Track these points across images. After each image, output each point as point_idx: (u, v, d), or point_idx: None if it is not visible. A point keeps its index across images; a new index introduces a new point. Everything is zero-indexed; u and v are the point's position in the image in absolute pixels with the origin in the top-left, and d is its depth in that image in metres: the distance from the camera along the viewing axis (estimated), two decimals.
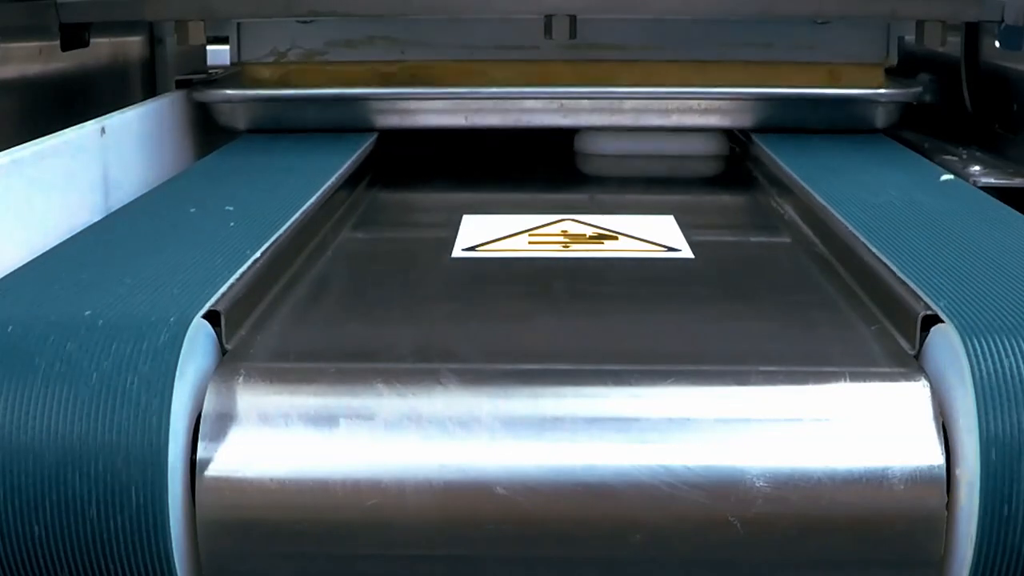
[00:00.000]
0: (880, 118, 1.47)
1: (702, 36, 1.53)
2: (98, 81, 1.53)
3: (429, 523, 0.70)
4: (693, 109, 1.44)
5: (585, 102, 1.46)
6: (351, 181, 1.27)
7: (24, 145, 1.05)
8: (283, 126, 1.45)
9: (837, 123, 1.44)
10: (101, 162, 1.20)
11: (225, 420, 0.72)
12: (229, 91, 1.49)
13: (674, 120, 1.45)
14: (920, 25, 1.47)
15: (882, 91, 1.48)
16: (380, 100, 1.46)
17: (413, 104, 1.45)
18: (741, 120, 1.47)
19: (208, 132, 1.50)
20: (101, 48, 1.52)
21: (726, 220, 1.31)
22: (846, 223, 1.00)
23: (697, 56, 1.54)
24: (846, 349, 0.82)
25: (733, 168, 1.50)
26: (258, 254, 0.89)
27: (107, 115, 1.25)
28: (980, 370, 0.69)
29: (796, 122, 1.44)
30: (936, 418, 0.72)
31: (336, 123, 1.44)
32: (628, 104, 1.45)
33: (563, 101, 1.46)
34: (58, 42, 1.38)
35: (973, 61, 1.57)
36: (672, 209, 1.21)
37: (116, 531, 0.69)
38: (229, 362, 0.77)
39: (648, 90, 1.46)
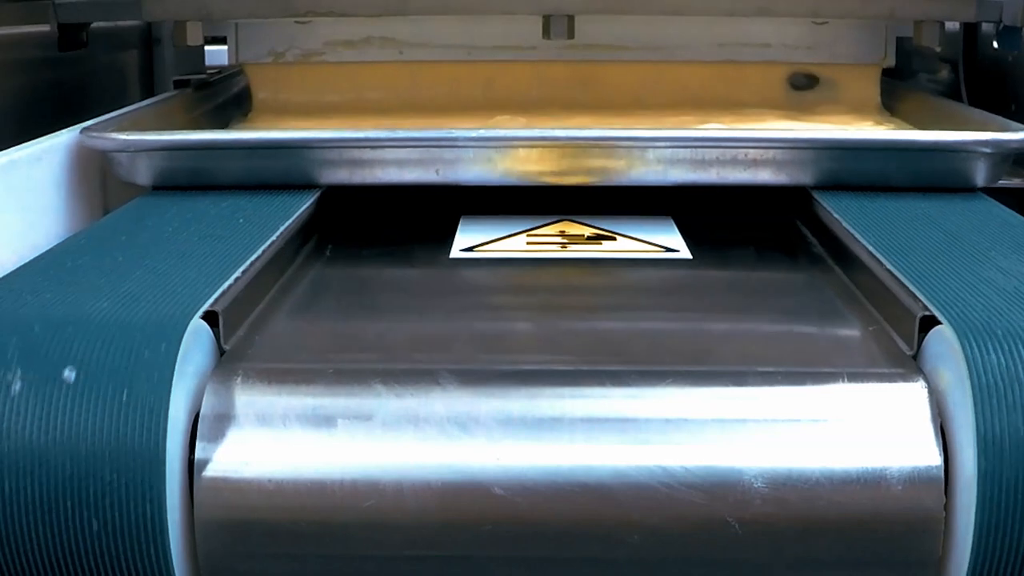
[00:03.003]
0: (983, 172, 1.09)
1: (696, 36, 1.53)
2: (95, 82, 1.53)
3: (427, 524, 0.70)
4: (739, 161, 1.07)
5: (595, 150, 1.08)
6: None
7: None
8: (199, 181, 1.09)
9: (923, 179, 1.08)
10: None
11: (223, 420, 0.72)
12: (125, 136, 1.10)
13: (714, 175, 1.07)
14: (918, 25, 1.47)
15: (991, 137, 1.09)
16: (325, 148, 1.08)
17: (368, 153, 1.08)
18: (801, 175, 1.09)
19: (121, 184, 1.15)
20: (98, 48, 1.52)
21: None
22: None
23: (693, 57, 1.54)
24: (844, 350, 0.82)
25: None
26: (255, 256, 0.88)
27: None
28: (978, 371, 0.69)
29: (871, 178, 1.08)
30: (934, 419, 0.72)
31: (269, 178, 1.09)
32: (652, 154, 1.07)
33: (565, 150, 1.08)
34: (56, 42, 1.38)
35: (971, 61, 1.57)
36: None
37: (114, 531, 0.69)
38: (227, 362, 0.77)
39: (679, 135, 1.09)
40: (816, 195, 1.06)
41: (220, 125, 1.41)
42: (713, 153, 1.07)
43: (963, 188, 1.07)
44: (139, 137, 1.09)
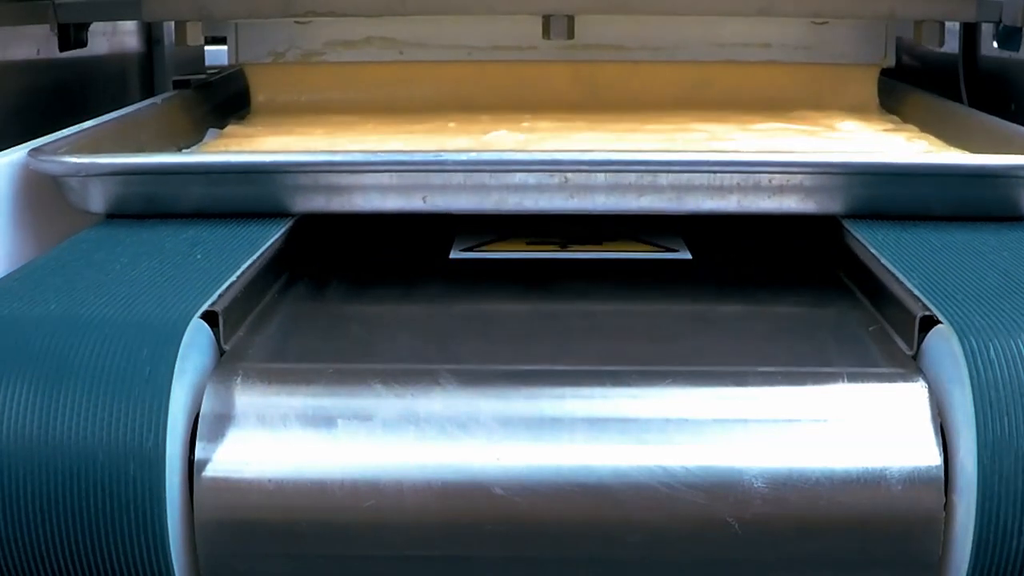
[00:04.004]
0: None
1: (695, 36, 1.53)
2: (94, 82, 1.53)
3: (427, 524, 0.70)
4: (763, 187, 0.95)
5: (601, 176, 0.96)
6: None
7: None
8: (158, 209, 0.98)
9: (968, 207, 0.97)
10: None
11: (223, 420, 0.72)
12: (74, 159, 0.99)
13: (735, 203, 0.96)
14: (918, 25, 1.47)
15: None
16: (297, 172, 0.97)
17: (346, 179, 0.97)
18: (832, 202, 0.97)
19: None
20: (98, 48, 1.52)
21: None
22: None
23: (692, 57, 1.54)
24: (844, 350, 0.82)
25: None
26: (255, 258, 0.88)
27: None
28: (978, 371, 0.69)
29: (911, 206, 0.97)
30: (934, 419, 0.72)
31: (236, 206, 0.98)
32: (665, 179, 0.96)
33: (568, 174, 0.96)
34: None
35: (971, 61, 1.57)
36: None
37: (113, 531, 0.69)
38: (227, 362, 0.77)
39: (695, 158, 0.98)
40: (848, 225, 0.95)
41: (199, 139, 1.34)
42: (734, 178, 0.95)
43: (1013, 217, 0.97)
44: (90, 160, 0.97)
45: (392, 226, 1.05)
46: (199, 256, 0.87)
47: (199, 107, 1.45)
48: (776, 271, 1.02)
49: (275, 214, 0.97)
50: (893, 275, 0.83)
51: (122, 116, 1.24)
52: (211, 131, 1.36)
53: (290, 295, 0.93)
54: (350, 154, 1.00)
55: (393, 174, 0.96)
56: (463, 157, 0.96)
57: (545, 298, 0.95)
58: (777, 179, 0.95)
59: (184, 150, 1.25)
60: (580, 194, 0.96)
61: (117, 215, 0.97)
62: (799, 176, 0.96)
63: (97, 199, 0.97)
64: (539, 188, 0.96)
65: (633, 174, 0.95)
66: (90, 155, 0.99)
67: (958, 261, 0.86)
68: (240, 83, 1.57)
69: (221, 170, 0.98)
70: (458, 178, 0.95)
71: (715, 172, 0.95)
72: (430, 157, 0.96)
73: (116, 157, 0.99)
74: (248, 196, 0.97)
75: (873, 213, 0.96)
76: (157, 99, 1.37)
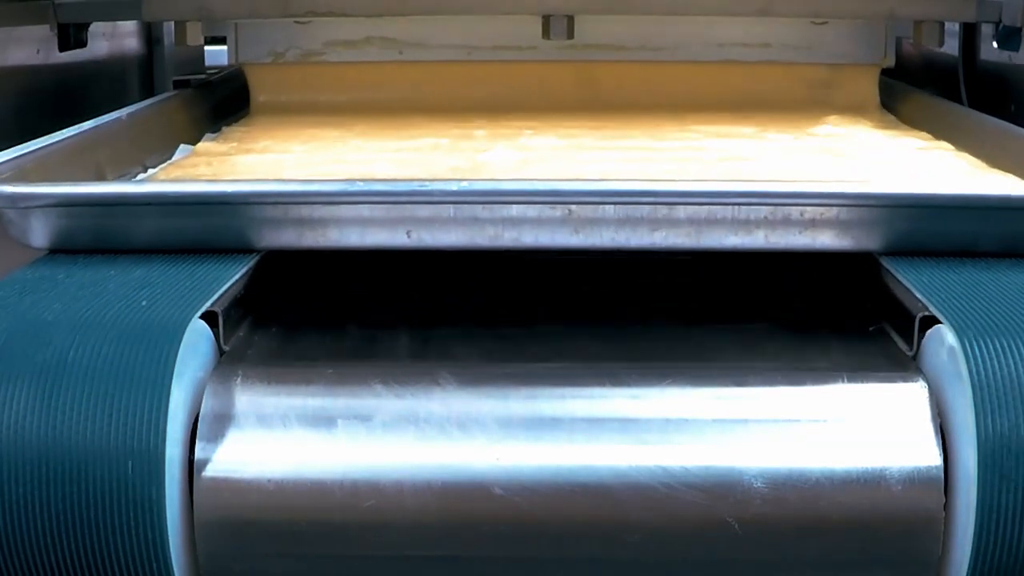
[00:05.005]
0: None
1: (695, 36, 1.53)
2: (94, 82, 1.53)
3: (427, 524, 0.70)
4: (793, 221, 0.85)
5: (610, 208, 0.85)
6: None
7: None
8: (107, 244, 0.87)
9: (1010, 244, 0.87)
10: None
11: (223, 420, 0.72)
12: (11, 188, 0.87)
13: (761, 239, 0.85)
14: (918, 25, 1.47)
15: None
16: (265, 204, 0.86)
17: (319, 211, 0.86)
18: (870, 239, 0.86)
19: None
20: (98, 48, 1.52)
21: None
22: None
23: (692, 57, 1.54)
24: (844, 350, 0.82)
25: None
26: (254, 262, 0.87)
27: None
28: (978, 371, 0.69)
29: (957, 242, 0.87)
30: (934, 419, 0.72)
31: (194, 240, 0.87)
32: (683, 212, 0.85)
33: (572, 206, 0.85)
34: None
35: (970, 62, 1.57)
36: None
37: (114, 531, 0.69)
38: (227, 363, 0.77)
39: (717, 188, 0.87)
40: (887, 264, 0.85)
41: (166, 157, 1.24)
42: (761, 211, 0.84)
43: None
44: (29, 190, 0.87)
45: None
46: (144, 302, 0.77)
47: (174, 117, 1.36)
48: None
49: (238, 250, 0.86)
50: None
51: (80, 133, 1.11)
52: (182, 147, 1.28)
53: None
54: (324, 183, 0.89)
55: (373, 206, 0.85)
56: (453, 187, 0.84)
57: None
58: (810, 212, 0.85)
59: (150, 169, 1.18)
60: (586, 228, 0.85)
61: (61, 250, 0.87)
62: (835, 209, 0.85)
63: (38, 233, 0.87)
64: (539, 222, 0.85)
65: (646, 206, 0.85)
66: (29, 184, 0.89)
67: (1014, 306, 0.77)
68: (223, 92, 1.54)
69: (176, 201, 0.87)
70: (447, 210, 0.84)
71: (740, 204, 0.85)
72: (415, 187, 0.85)
73: (58, 186, 0.89)
74: (207, 230, 0.86)
75: (916, 250, 0.86)
76: (122, 113, 1.23)
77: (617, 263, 1.00)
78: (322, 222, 0.86)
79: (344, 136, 1.30)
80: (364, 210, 0.85)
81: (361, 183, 0.86)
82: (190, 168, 1.15)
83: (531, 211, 0.84)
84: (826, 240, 0.85)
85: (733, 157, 1.16)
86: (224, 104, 1.53)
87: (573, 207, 0.84)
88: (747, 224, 0.85)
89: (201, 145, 1.29)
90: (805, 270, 0.94)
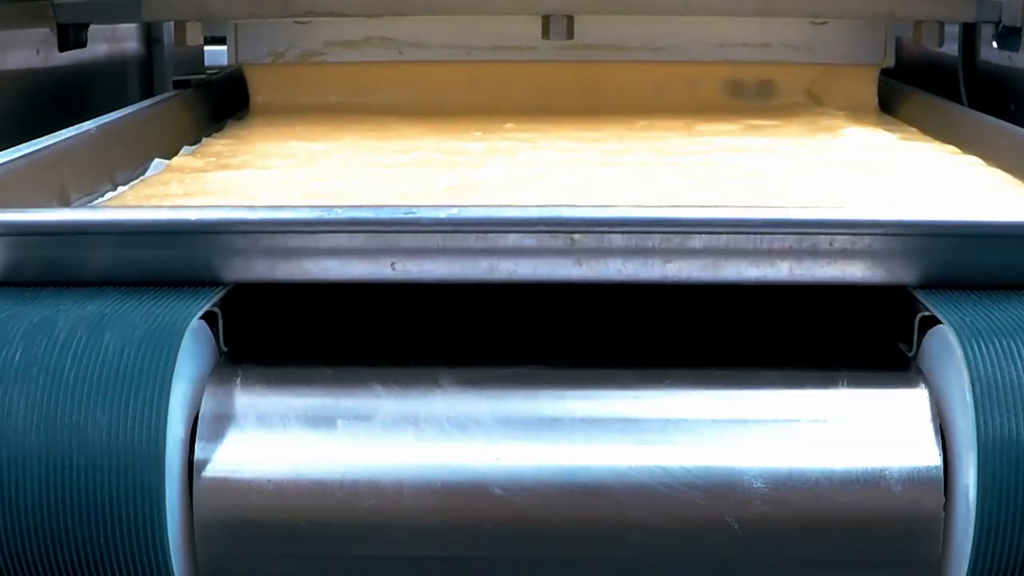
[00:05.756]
0: None
1: (695, 36, 1.53)
2: (95, 82, 1.53)
3: (427, 524, 0.70)
4: (821, 251, 0.77)
5: (618, 237, 0.76)
6: None
7: None
8: (59, 276, 0.79)
9: None
10: None
11: (223, 421, 0.72)
12: None
13: (784, 271, 0.77)
14: (918, 25, 1.48)
15: None
16: (233, 233, 0.78)
17: (293, 240, 0.77)
18: (905, 270, 0.78)
19: None
20: (97, 48, 1.52)
21: None
22: None
23: (692, 57, 1.54)
24: (844, 350, 0.82)
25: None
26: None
27: None
28: (977, 372, 0.69)
29: (1002, 274, 0.78)
30: (933, 419, 0.72)
31: (155, 272, 0.78)
32: (699, 241, 0.77)
33: (575, 235, 0.76)
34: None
35: (970, 62, 1.57)
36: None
37: (114, 531, 0.69)
38: (227, 363, 0.77)
39: (737, 216, 0.78)
40: (922, 297, 0.77)
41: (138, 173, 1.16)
42: (786, 241, 0.76)
43: None
44: None
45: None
46: (79, 345, 0.72)
47: (145, 129, 1.26)
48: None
49: (203, 283, 0.78)
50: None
51: (45, 147, 1.02)
52: (156, 162, 1.20)
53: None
54: (298, 210, 0.80)
55: (353, 235, 0.77)
56: (442, 214, 0.76)
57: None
58: (840, 241, 0.76)
59: (120, 187, 1.10)
60: (590, 259, 0.77)
61: (8, 283, 0.78)
62: (868, 238, 0.77)
63: None
64: (538, 252, 0.76)
65: (657, 235, 0.76)
66: None
67: None
68: (207, 102, 1.49)
69: (135, 229, 0.78)
70: (436, 240, 0.76)
71: (762, 233, 0.76)
72: (400, 214, 0.77)
73: (6, 213, 0.81)
74: (170, 261, 0.78)
75: (954, 282, 0.78)
76: (91, 125, 1.13)
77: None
78: (296, 253, 0.77)
79: (331, 150, 1.23)
80: (343, 239, 0.77)
81: (340, 209, 0.78)
82: (160, 186, 1.08)
83: (529, 240, 0.76)
84: (857, 273, 0.77)
85: (750, 174, 1.10)
86: (219, 107, 1.52)
87: (576, 236, 0.76)
88: (770, 255, 0.77)
89: (176, 160, 1.21)
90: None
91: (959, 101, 1.54)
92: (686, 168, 1.12)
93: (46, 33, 1.38)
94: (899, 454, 0.71)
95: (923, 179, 1.09)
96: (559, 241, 0.76)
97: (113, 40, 1.60)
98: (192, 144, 1.32)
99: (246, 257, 0.78)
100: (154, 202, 1.00)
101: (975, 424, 0.68)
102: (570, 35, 1.44)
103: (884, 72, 1.56)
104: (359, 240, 0.77)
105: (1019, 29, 1.39)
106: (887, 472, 0.70)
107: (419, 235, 0.76)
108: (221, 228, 0.78)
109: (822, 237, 0.76)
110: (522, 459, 0.71)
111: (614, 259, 0.76)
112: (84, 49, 1.45)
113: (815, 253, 0.77)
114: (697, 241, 0.76)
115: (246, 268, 0.78)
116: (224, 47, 1.58)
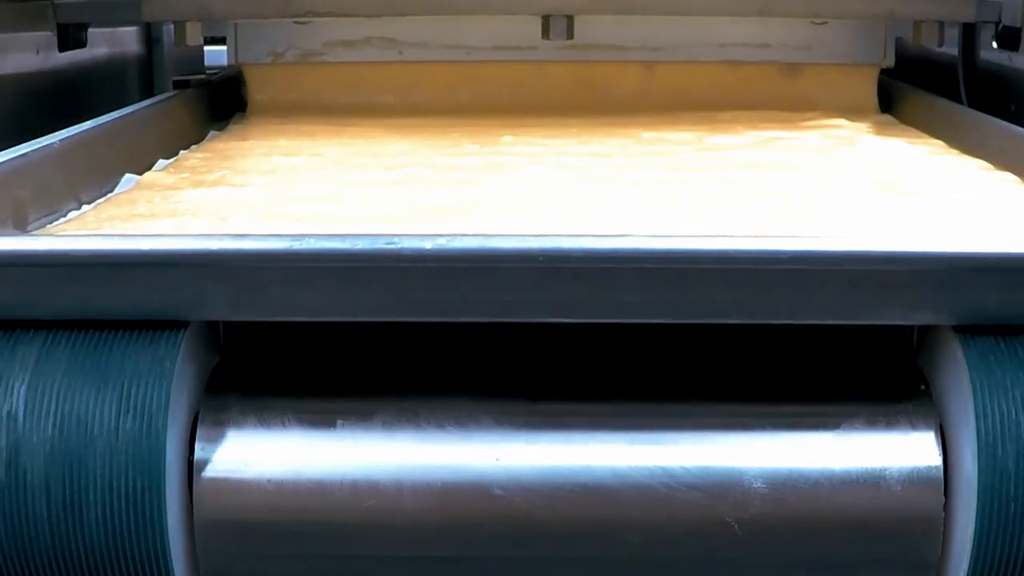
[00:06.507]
0: None
1: (695, 36, 1.53)
2: (95, 82, 1.53)
3: (427, 524, 0.70)
4: (847, 287, 0.68)
5: (627, 271, 0.68)
6: None
7: None
8: (10, 314, 0.71)
9: None
10: None
11: (223, 420, 0.72)
12: None
13: (800, 316, 0.69)
14: (918, 26, 1.48)
15: None
16: (195, 265, 0.69)
17: (261, 275, 0.69)
18: (933, 312, 0.70)
19: None
20: (97, 49, 1.52)
21: None
22: None
23: (692, 57, 1.54)
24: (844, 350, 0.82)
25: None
26: None
27: None
28: (978, 372, 0.69)
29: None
30: (934, 419, 0.72)
31: (113, 310, 0.70)
32: (719, 277, 0.68)
33: (579, 268, 0.68)
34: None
35: (970, 62, 1.57)
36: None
37: (114, 531, 0.69)
38: (227, 363, 0.77)
39: (746, 248, 0.68)
40: (964, 343, 0.70)
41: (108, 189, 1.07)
42: (808, 279, 0.68)
43: None
44: None
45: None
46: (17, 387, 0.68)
47: (111, 147, 1.15)
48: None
49: (162, 322, 0.70)
50: None
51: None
52: (127, 177, 1.11)
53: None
54: (265, 240, 0.71)
55: (329, 268, 0.68)
56: (427, 245, 0.67)
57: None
58: (873, 277, 0.68)
59: (84, 206, 1.02)
60: (597, 298, 0.68)
61: None
62: (903, 273, 0.68)
63: None
64: (537, 289, 0.68)
65: (673, 269, 0.67)
66: None
67: None
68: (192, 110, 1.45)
69: (84, 262, 0.69)
70: (420, 274, 0.67)
71: (779, 267, 0.67)
72: (381, 246, 0.67)
73: None
74: (125, 298, 0.69)
75: (998, 324, 0.70)
76: (54, 139, 1.05)
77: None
78: (263, 288, 0.68)
79: (314, 165, 1.14)
80: (316, 273, 0.68)
81: (312, 239, 0.68)
82: (127, 206, 0.99)
83: (528, 276, 0.67)
84: (895, 314, 0.69)
85: (768, 194, 1.00)
86: (218, 107, 1.52)
87: (580, 270, 0.67)
88: (807, 290, 0.68)
89: (147, 176, 1.13)
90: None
91: (959, 101, 1.54)
92: (699, 187, 1.03)
93: (46, 34, 1.38)
94: (899, 454, 0.71)
95: (953, 199, 1.01)
96: (561, 276, 0.67)
97: (113, 40, 1.60)
98: (190, 146, 1.31)
99: (208, 293, 0.69)
100: (116, 224, 0.92)
101: (975, 424, 0.68)
102: (570, 35, 1.44)
103: (884, 72, 1.56)
104: (333, 275, 0.68)
105: (1019, 29, 1.39)
106: (887, 472, 0.70)
107: (399, 270, 0.67)
108: (179, 260, 0.69)
109: (847, 272, 0.68)
110: (522, 459, 0.71)
111: (623, 295, 0.67)
112: (84, 49, 1.45)
113: (839, 289, 0.68)
114: (716, 277, 0.67)
115: (206, 307, 0.70)
116: (224, 47, 1.58)
